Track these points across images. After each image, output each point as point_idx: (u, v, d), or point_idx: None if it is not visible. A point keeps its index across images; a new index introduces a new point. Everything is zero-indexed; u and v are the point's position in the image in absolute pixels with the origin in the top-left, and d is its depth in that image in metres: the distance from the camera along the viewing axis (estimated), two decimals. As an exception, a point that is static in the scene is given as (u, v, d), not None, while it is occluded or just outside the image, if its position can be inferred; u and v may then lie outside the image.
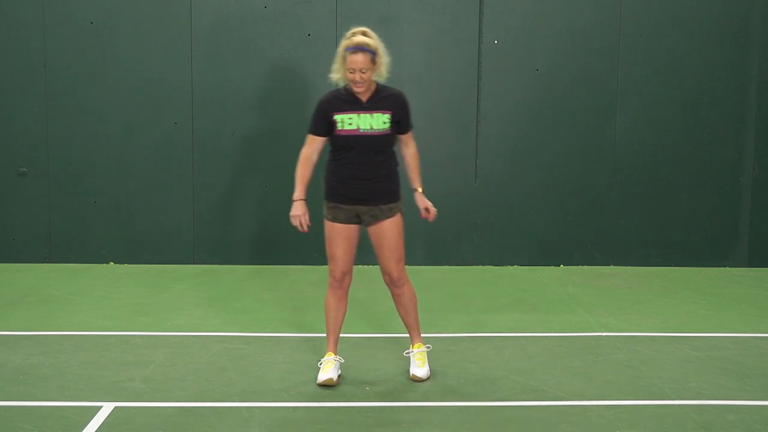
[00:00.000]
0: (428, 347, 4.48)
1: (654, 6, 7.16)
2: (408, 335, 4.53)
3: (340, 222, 4.26)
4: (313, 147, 4.26)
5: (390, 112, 4.21)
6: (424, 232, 7.28)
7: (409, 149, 4.43)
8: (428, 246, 7.29)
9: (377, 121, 4.18)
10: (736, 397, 4.13)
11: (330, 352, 4.30)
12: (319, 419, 3.79)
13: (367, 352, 4.76)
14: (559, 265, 7.33)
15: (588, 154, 7.27)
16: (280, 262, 7.19)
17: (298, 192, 4.25)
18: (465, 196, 7.26)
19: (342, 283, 4.28)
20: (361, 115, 4.16)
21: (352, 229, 4.29)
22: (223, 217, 7.20)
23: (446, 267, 7.27)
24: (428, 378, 4.33)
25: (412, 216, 7.24)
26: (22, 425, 3.67)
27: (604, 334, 5.20)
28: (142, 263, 7.18)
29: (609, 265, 7.35)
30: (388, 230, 4.30)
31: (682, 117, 7.28)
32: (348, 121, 4.16)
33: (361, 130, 4.16)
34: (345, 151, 4.21)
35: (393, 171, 4.35)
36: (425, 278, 6.82)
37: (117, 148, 7.11)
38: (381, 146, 4.23)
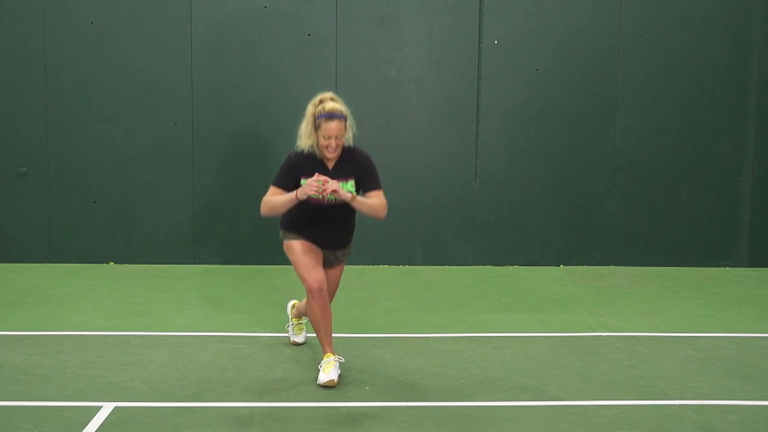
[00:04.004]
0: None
1: (654, 6, 7.16)
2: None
3: (304, 239, 4.30)
4: (275, 196, 4.26)
5: (354, 177, 4.26)
6: (424, 232, 7.29)
7: (375, 200, 4.30)
8: (428, 246, 7.29)
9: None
10: (736, 397, 4.13)
11: (328, 353, 4.30)
12: (319, 419, 3.79)
13: (367, 352, 4.76)
14: (559, 265, 7.33)
15: (588, 154, 7.27)
16: (280, 262, 7.18)
17: (289, 194, 4.18)
18: (465, 196, 7.26)
19: (321, 293, 4.23)
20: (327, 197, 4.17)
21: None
22: (223, 217, 7.21)
23: (446, 267, 7.27)
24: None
25: (413, 216, 7.26)
26: (22, 425, 3.67)
27: (604, 334, 5.20)
28: (142, 263, 7.18)
29: (609, 265, 7.35)
30: (336, 275, 4.48)
31: (682, 117, 7.28)
32: None
33: (327, 200, 4.19)
34: (308, 210, 4.26)
35: (353, 224, 4.44)
36: (425, 278, 6.82)
37: (117, 148, 7.11)
38: (343, 210, 4.29)
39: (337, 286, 4.55)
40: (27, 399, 3.98)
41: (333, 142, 4.14)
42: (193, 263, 7.21)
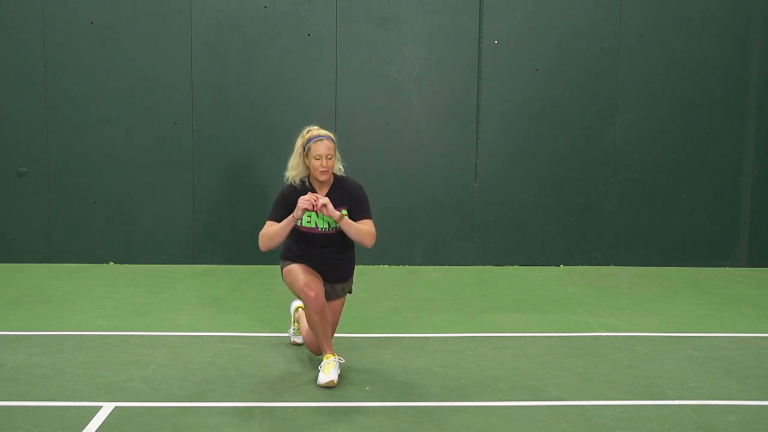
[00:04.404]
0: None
1: (654, 6, 7.16)
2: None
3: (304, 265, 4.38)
4: (272, 227, 4.34)
5: (345, 206, 4.33)
6: (424, 232, 7.29)
7: (364, 226, 4.35)
8: (428, 246, 7.29)
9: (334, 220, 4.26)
10: (736, 397, 4.13)
11: (328, 354, 4.30)
12: (319, 419, 3.79)
13: (367, 352, 4.76)
14: (559, 265, 7.33)
15: (588, 154, 7.27)
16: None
17: (288, 218, 4.24)
18: (465, 196, 7.26)
19: (318, 300, 4.22)
20: (320, 213, 4.23)
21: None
22: (223, 217, 7.21)
23: (446, 267, 7.27)
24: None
25: (413, 216, 7.27)
26: (22, 425, 3.67)
27: (604, 334, 5.20)
28: (142, 263, 7.18)
29: (609, 265, 7.35)
30: (335, 308, 4.52)
31: (682, 117, 7.28)
32: (306, 219, 4.30)
33: (320, 229, 4.31)
34: (305, 243, 4.36)
35: (352, 258, 4.53)
36: (425, 278, 6.82)
37: (117, 148, 7.11)
38: (339, 241, 4.38)
39: (337, 320, 4.57)
40: (27, 399, 3.98)
41: (324, 161, 4.24)
42: (193, 263, 7.21)
